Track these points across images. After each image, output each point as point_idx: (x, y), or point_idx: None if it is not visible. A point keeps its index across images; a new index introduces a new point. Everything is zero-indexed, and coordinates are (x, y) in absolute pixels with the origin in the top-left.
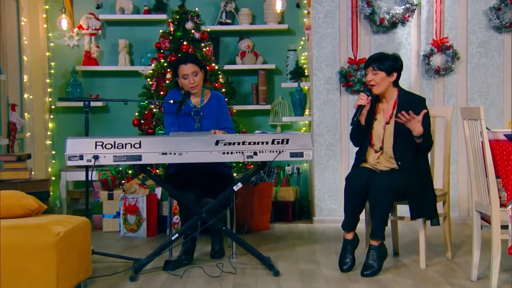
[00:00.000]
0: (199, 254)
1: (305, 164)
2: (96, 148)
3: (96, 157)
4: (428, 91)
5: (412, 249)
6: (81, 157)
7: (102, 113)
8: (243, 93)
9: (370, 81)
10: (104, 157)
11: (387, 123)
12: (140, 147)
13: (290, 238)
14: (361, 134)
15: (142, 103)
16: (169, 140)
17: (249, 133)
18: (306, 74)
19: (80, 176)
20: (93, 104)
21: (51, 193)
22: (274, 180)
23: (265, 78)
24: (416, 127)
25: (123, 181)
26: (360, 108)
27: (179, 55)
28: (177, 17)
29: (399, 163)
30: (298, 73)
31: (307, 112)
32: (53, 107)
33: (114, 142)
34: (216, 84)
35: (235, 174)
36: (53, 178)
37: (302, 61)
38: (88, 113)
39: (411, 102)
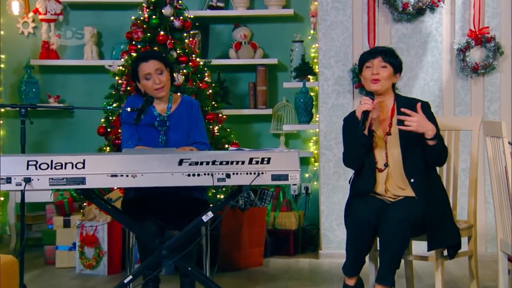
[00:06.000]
0: None
1: (315, 183)
2: (28, 168)
3: (27, 180)
4: (464, 93)
5: None
6: (8, 180)
7: (65, 118)
8: (238, 95)
9: (375, 75)
10: (38, 180)
11: (388, 133)
12: (83, 167)
13: (286, 277)
14: (363, 150)
15: (108, 108)
16: (121, 159)
17: (243, 144)
18: (316, 71)
19: (34, 196)
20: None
21: (0, 216)
22: (267, 204)
23: (266, 75)
24: (427, 125)
25: (84, 204)
26: (366, 114)
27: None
28: (153, 0)
29: (412, 180)
30: (304, 70)
31: (317, 118)
32: (2, 110)
33: (51, 161)
34: (201, 84)
35: (221, 196)
36: (1, 198)
37: (312, 55)
38: (25, 123)
39: (411, 108)
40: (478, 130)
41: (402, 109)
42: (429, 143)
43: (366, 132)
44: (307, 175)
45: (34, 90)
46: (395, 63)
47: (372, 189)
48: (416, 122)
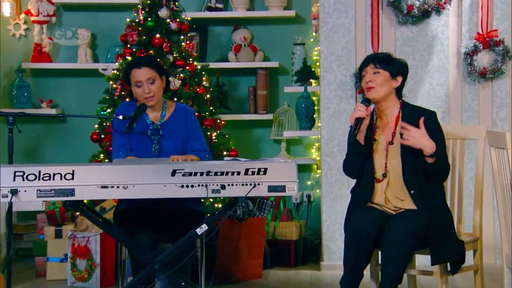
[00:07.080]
0: None
1: (318, 191)
2: (15, 180)
3: (14, 192)
4: (472, 99)
5: None
6: None
7: (57, 124)
8: (237, 99)
9: (368, 82)
10: (25, 191)
11: (390, 143)
12: (72, 178)
13: None
14: (360, 159)
15: (102, 113)
16: (111, 170)
17: (243, 151)
18: (318, 74)
19: (25, 205)
20: (47, 111)
21: None
22: (267, 214)
23: (266, 79)
24: (425, 142)
25: (76, 214)
26: (359, 121)
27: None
28: (148, 2)
29: (412, 192)
30: (305, 74)
31: (320, 124)
32: None
33: (39, 172)
34: (199, 89)
35: (220, 205)
36: None
37: (314, 58)
38: (13, 131)
39: (417, 117)
40: (484, 140)
41: (403, 124)
42: (427, 160)
43: (362, 140)
44: (309, 182)
45: (26, 94)
46: (388, 68)
47: (370, 199)
48: (413, 137)
